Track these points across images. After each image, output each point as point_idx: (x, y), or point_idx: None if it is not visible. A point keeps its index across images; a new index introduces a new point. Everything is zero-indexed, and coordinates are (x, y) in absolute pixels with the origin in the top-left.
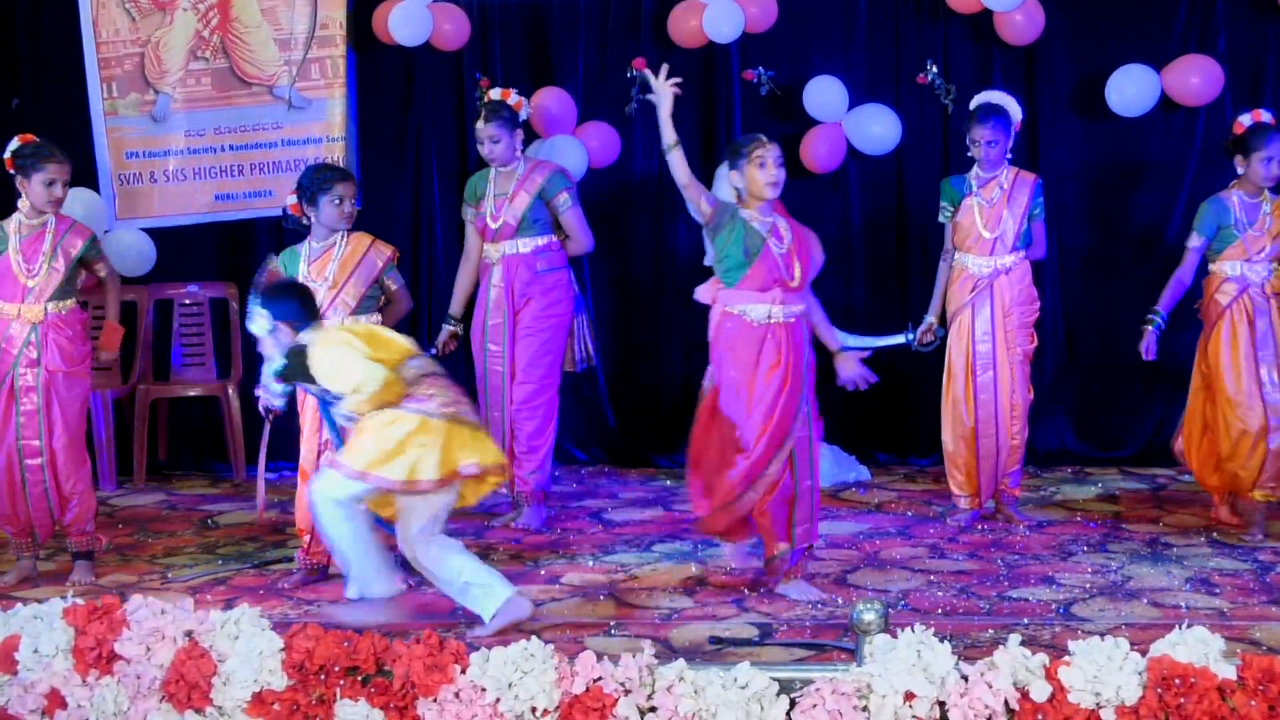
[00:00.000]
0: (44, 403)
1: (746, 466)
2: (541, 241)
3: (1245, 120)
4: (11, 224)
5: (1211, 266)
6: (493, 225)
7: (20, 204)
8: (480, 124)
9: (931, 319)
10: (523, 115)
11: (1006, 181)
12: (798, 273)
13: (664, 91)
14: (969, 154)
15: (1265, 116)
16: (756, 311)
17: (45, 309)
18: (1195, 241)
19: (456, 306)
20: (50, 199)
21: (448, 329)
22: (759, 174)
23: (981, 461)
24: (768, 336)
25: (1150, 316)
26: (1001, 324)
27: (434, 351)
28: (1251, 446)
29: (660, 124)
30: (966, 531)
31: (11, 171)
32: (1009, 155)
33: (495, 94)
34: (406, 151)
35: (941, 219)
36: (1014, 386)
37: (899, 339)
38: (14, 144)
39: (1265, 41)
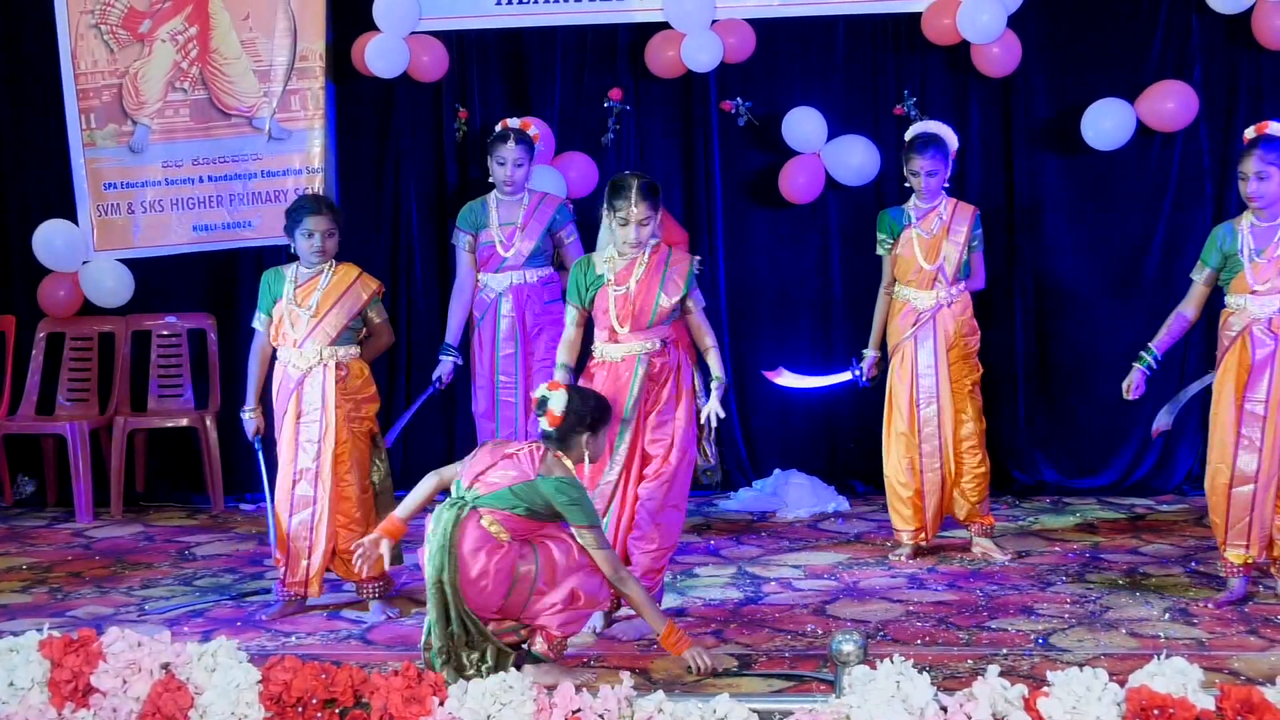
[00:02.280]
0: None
1: None
2: (545, 273)
3: (1249, 133)
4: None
5: (1226, 299)
6: (504, 254)
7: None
8: (509, 145)
9: (874, 353)
10: (538, 147)
11: (946, 213)
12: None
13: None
14: (906, 184)
15: (1273, 128)
16: None
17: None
18: (1198, 273)
19: (454, 336)
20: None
21: (449, 360)
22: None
23: (927, 497)
24: None
25: (1142, 354)
26: (944, 357)
27: (439, 384)
28: (1221, 492)
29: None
30: (909, 565)
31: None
32: (947, 185)
33: (515, 123)
34: (386, 183)
35: (880, 251)
36: (961, 419)
37: (845, 375)
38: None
39: (1239, 69)
